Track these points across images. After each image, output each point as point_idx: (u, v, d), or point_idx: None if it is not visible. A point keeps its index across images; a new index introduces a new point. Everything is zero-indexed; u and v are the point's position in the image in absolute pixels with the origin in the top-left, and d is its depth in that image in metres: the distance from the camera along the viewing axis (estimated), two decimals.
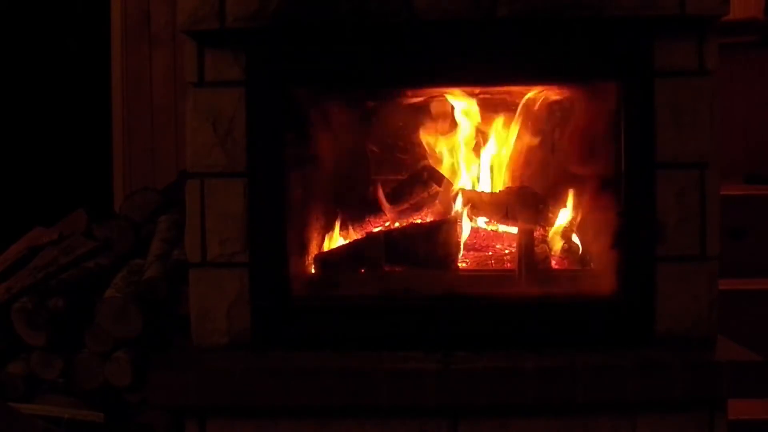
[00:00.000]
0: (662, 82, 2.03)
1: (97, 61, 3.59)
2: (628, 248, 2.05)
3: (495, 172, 2.41)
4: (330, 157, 2.30)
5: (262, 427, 1.97)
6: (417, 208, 2.42)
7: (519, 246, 2.17)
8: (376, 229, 2.36)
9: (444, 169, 2.42)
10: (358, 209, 2.42)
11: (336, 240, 2.34)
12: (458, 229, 2.25)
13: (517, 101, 2.35)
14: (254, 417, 1.96)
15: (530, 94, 2.31)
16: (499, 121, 2.38)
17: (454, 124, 2.41)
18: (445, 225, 2.24)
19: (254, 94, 2.06)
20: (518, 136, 2.37)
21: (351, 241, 2.33)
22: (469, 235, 2.32)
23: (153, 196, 2.87)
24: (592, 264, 2.22)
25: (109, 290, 2.34)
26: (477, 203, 2.33)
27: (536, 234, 2.23)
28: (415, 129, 2.44)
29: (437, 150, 2.44)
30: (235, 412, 1.96)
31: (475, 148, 2.42)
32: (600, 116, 2.14)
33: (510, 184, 2.38)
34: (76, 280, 2.41)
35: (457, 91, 2.30)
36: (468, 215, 2.31)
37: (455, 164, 2.43)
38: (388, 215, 2.38)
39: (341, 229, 2.36)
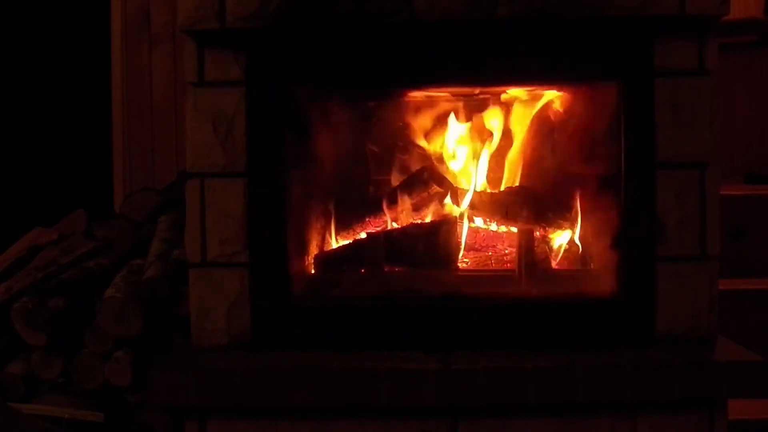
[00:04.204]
0: (662, 81, 2.03)
1: (97, 61, 3.59)
2: (628, 248, 2.05)
3: (495, 172, 2.41)
4: (330, 157, 2.30)
5: (262, 427, 1.97)
6: (417, 208, 2.42)
7: (519, 246, 2.17)
8: (376, 229, 2.36)
9: (444, 169, 2.42)
10: (359, 209, 2.41)
11: (336, 240, 2.34)
12: (458, 229, 2.25)
13: (517, 101, 2.35)
14: (254, 417, 1.96)
15: (530, 95, 2.31)
16: (499, 120, 2.38)
17: (453, 124, 2.40)
18: (445, 225, 2.24)
19: (254, 94, 2.06)
20: (518, 136, 2.37)
21: (351, 241, 2.33)
22: (470, 235, 2.32)
23: (153, 196, 2.87)
24: (592, 264, 2.22)
25: (109, 290, 2.34)
26: (477, 203, 2.33)
27: (536, 234, 2.23)
28: (415, 129, 2.44)
29: (437, 150, 2.43)
30: (235, 412, 1.96)
31: (475, 148, 2.42)
32: (600, 116, 2.14)
33: (510, 184, 2.38)
34: (76, 280, 2.41)
35: (456, 91, 2.30)
36: (468, 215, 2.31)
37: (455, 164, 2.43)
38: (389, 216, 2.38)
39: (341, 229, 2.36)
